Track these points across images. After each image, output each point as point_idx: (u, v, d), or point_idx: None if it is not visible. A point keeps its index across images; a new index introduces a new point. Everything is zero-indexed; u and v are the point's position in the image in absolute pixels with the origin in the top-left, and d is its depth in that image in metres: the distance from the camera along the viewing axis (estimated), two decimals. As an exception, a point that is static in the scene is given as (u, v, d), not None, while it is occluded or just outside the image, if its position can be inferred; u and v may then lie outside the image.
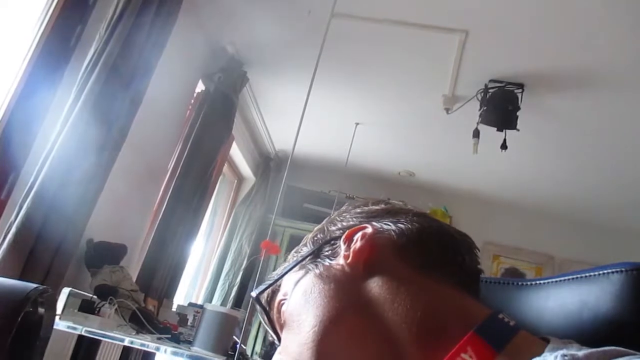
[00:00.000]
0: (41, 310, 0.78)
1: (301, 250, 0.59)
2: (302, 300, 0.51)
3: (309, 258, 0.55)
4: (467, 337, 0.43)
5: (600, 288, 0.48)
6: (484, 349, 0.42)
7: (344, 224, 0.57)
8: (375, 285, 0.49)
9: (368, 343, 0.46)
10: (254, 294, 0.56)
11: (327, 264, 0.53)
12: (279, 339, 0.56)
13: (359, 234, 0.53)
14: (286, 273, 0.56)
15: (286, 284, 0.56)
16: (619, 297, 0.46)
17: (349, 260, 0.51)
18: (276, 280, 0.56)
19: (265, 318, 0.58)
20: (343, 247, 0.53)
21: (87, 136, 1.80)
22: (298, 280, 0.54)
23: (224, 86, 2.95)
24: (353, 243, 0.52)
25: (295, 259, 0.57)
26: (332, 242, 0.55)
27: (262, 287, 0.57)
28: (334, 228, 0.57)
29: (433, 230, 0.54)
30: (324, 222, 0.60)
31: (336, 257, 0.53)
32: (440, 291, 0.49)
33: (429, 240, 0.52)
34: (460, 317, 0.46)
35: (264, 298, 0.58)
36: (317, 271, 0.53)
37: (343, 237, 0.54)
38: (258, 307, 0.58)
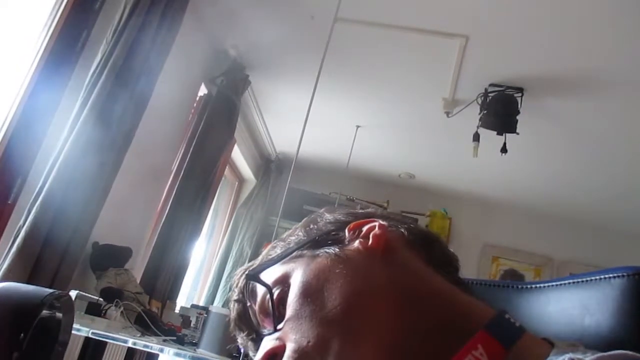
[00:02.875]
0: (59, 314, 0.79)
1: (291, 240, 0.57)
2: (316, 283, 0.50)
3: (307, 246, 0.54)
4: (478, 335, 0.43)
5: (602, 293, 0.47)
6: (494, 347, 0.42)
7: (338, 217, 0.58)
8: (391, 272, 0.50)
9: (384, 321, 0.46)
10: (252, 272, 0.54)
11: (336, 249, 0.53)
12: (254, 333, 0.55)
13: (374, 224, 0.54)
14: (288, 255, 0.54)
15: (274, 274, 0.53)
16: (621, 303, 0.45)
17: (370, 243, 0.52)
18: (282, 258, 0.55)
19: (244, 308, 0.56)
20: (348, 235, 0.54)
21: (94, 140, 1.82)
22: (299, 267, 0.53)
23: (226, 89, 2.97)
24: (369, 230, 0.53)
25: (291, 246, 0.56)
26: (333, 232, 0.55)
27: (262, 266, 0.55)
28: (322, 223, 0.58)
29: (434, 235, 0.56)
30: (305, 221, 0.60)
31: (341, 244, 0.53)
32: (449, 287, 0.50)
33: (433, 242, 0.55)
34: (469, 314, 0.47)
35: (247, 289, 0.57)
36: (333, 252, 0.52)
37: (349, 226, 0.55)
38: (248, 290, 0.55)
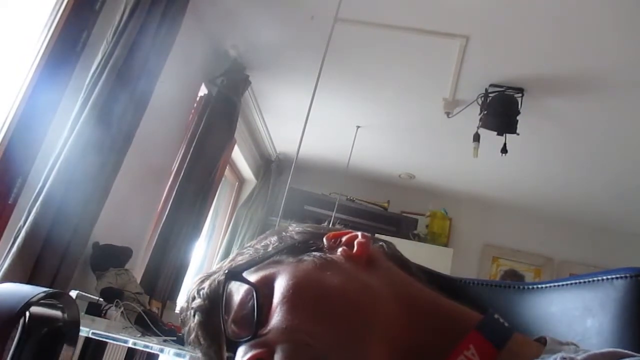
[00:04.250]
0: (64, 315, 0.79)
1: (265, 246, 0.55)
2: (310, 285, 0.49)
3: (285, 251, 0.53)
4: (470, 335, 0.43)
5: (605, 294, 0.47)
6: (486, 347, 0.43)
7: (308, 229, 0.57)
8: (379, 277, 0.50)
9: (384, 321, 0.46)
10: (233, 270, 0.51)
11: (319, 254, 0.52)
12: (217, 344, 0.51)
13: (355, 234, 0.54)
14: (267, 258, 0.53)
15: (252, 278, 0.51)
16: (623, 304, 0.45)
17: (354, 251, 0.52)
18: (262, 260, 0.53)
19: (207, 316, 0.52)
20: (327, 243, 0.54)
21: (94, 140, 1.82)
22: (284, 271, 0.51)
23: (226, 90, 2.97)
24: (351, 239, 0.54)
25: (269, 250, 0.54)
26: (311, 241, 0.55)
27: (242, 266, 0.52)
28: (295, 232, 0.57)
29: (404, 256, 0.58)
30: (272, 231, 0.59)
31: (321, 251, 0.53)
32: (435, 293, 0.51)
33: (405, 258, 0.57)
34: (458, 317, 0.48)
35: (218, 294, 0.52)
36: (319, 256, 0.52)
37: (328, 235, 0.55)
38: (222, 295, 0.50)
